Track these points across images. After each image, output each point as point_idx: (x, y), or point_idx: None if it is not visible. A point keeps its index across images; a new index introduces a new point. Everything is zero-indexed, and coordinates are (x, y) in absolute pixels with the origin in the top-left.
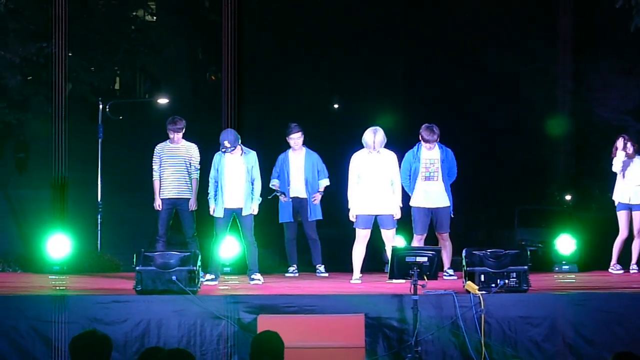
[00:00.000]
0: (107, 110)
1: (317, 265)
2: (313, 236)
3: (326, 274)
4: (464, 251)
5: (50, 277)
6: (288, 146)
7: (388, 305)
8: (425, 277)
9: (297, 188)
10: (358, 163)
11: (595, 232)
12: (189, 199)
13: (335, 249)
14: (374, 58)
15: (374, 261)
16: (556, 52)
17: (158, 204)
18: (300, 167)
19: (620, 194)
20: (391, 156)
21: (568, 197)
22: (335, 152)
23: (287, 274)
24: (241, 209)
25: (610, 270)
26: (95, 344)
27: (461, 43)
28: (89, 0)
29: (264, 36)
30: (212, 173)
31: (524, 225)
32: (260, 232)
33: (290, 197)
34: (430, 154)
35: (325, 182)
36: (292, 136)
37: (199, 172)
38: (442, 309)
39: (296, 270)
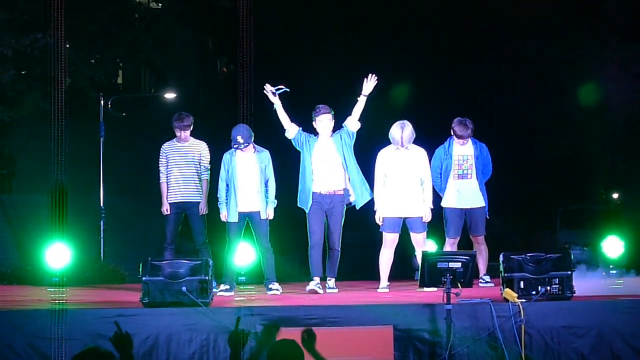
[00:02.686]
0: (109, 106)
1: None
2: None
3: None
4: (501, 255)
5: (49, 289)
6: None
7: (419, 316)
8: (459, 285)
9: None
10: (385, 161)
11: None
12: (199, 202)
13: (361, 255)
14: (401, 46)
15: (403, 268)
16: (601, 37)
17: (166, 209)
18: (334, 154)
19: None
20: (421, 153)
21: (615, 196)
22: (360, 149)
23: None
24: (256, 212)
25: None
26: None
27: (495, 30)
28: None
29: (282, 22)
30: (223, 174)
31: (567, 226)
32: (278, 238)
33: (323, 192)
34: (463, 150)
35: None
36: (320, 117)
37: (209, 172)
38: (477, 319)
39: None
